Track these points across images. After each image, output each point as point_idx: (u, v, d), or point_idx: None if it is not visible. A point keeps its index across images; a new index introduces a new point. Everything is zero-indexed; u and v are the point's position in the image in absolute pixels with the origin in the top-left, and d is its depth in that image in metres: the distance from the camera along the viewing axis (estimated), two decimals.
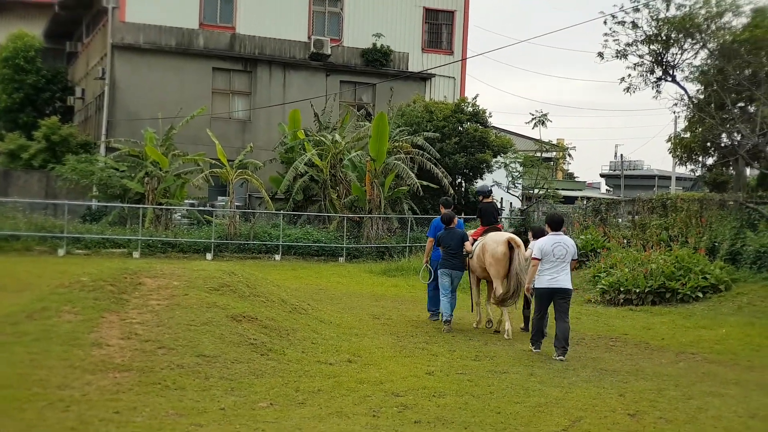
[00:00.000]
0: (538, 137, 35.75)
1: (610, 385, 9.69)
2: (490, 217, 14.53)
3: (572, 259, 11.66)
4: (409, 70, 38.42)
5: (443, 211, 14.43)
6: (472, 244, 13.93)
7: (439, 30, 39.82)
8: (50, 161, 33.97)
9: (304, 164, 29.54)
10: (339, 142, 29.59)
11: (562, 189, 43.74)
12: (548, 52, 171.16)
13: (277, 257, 27.12)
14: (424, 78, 38.86)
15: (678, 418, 8.18)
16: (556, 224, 11.85)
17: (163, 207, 28.37)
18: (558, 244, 11.54)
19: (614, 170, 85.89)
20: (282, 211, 28.91)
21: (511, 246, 13.28)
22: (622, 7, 27.77)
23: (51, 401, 7.42)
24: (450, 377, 9.66)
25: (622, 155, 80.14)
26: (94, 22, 40.11)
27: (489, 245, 13.53)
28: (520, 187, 34.94)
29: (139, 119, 33.29)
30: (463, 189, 33.97)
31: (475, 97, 33.56)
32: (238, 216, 28.04)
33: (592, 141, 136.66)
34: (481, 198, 14.96)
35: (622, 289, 17.67)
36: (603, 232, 23.23)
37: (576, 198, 40.23)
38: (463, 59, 39.46)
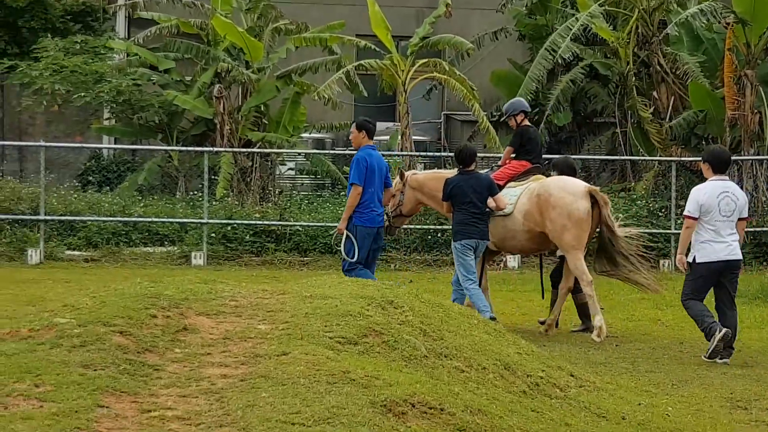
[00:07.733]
0: None
1: None
2: (537, 151, 15.62)
3: (741, 218, 12.85)
4: None
5: (358, 137, 14.79)
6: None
7: None
8: (7, 52, 31.38)
9: (572, 40, 25.85)
10: None
11: None
12: None
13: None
14: None
15: None
16: (723, 164, 13.07)
17: (256, 150, 26.20)
18: (726, 194, 12.73)
19: None
20: None
21: (594, 200, 14.54)
22: None
23: None
24: None
25: None
26: None
27: (555, 196, 14.43)
28: None
29: None
30: None
31: None
32: (419, 166, 25.53)
33: None
34: (520, 119, 15.54)
35: None
36: None
37: None
38: None
